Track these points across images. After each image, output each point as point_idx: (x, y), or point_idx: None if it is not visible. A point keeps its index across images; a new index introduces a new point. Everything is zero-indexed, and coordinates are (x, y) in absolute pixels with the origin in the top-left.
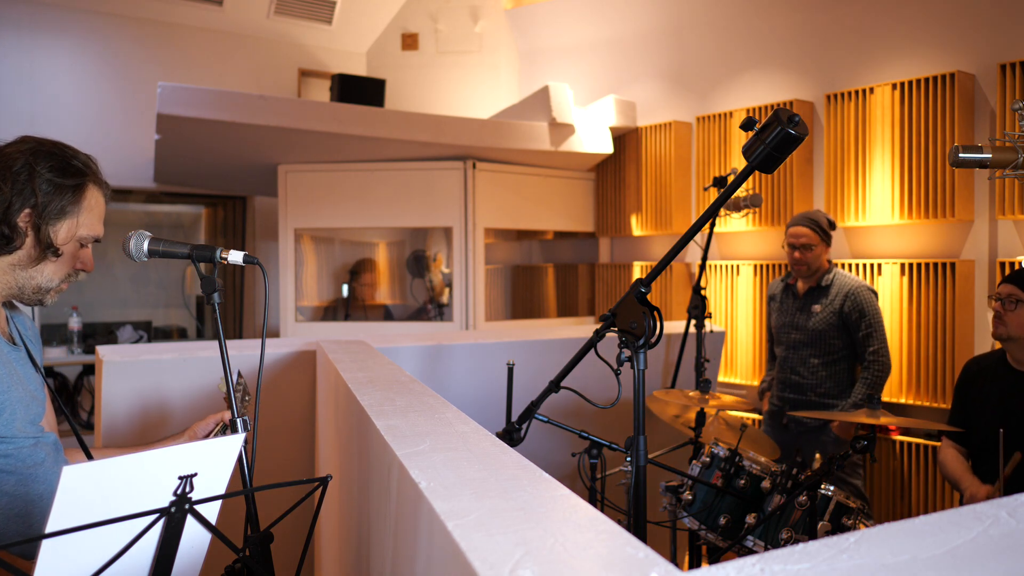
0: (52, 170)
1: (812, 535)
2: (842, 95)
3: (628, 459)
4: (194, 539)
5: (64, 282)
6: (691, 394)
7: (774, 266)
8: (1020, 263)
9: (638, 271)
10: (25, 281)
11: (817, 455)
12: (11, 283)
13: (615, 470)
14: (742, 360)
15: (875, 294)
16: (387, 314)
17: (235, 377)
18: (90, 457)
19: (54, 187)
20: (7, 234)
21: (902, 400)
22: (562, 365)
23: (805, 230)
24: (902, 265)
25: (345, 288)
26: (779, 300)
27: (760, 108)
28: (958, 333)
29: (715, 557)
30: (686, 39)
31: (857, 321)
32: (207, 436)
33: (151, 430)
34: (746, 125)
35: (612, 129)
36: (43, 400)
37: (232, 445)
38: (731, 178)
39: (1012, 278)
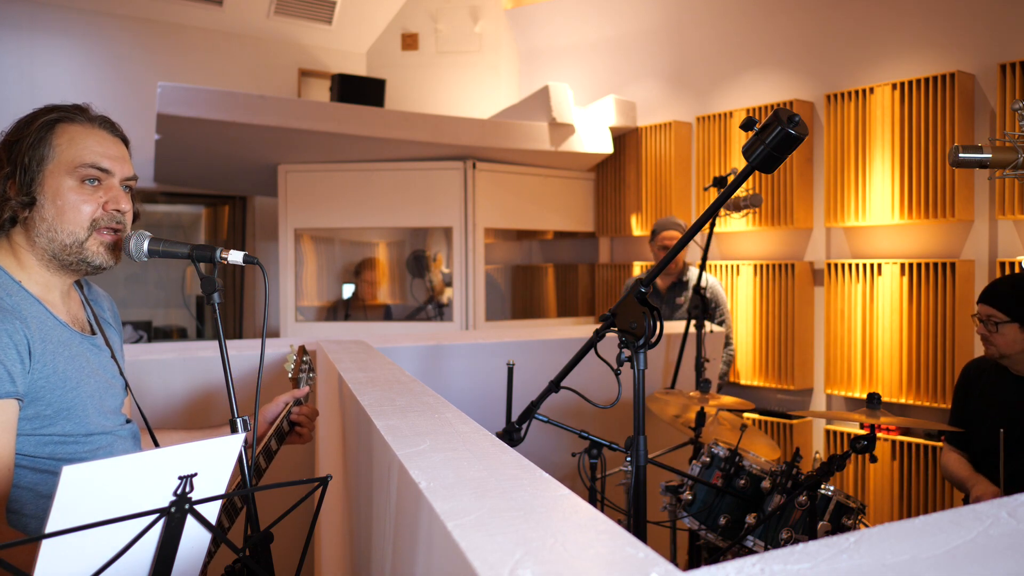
0: (14, 132)
1: (812, 535)
2: (842, 95)
3: (628, 459)
4: (194, 539)
5: (96, 230)
6: (691, 394)
7: (774, 266)
8: (1020, 263)
9: (638, 271)
10: (53, 247)
11: (817, 455)
12: (43, 256)
13: (615, 470)
14: (742, 360)
15: (723, 289)
16: (387, 314)
17: (295, 354)
18: (156, 443)
19: (18, 142)
20: None
21: (902, 400)
22: (562, 365)
23: (675, 233)
24: (902, 265)
25: (349, 288)
26: None
27: (760, 108)
28: (958, 333)
29: (715, 557)
30: (686, 39)
31: (714, 310)
32: (277, 418)
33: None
34: (746, 125)
35: (612, 129)
36: (122, 386)
37: (232, 445)
38: (731, 178)
39: (986, 297)
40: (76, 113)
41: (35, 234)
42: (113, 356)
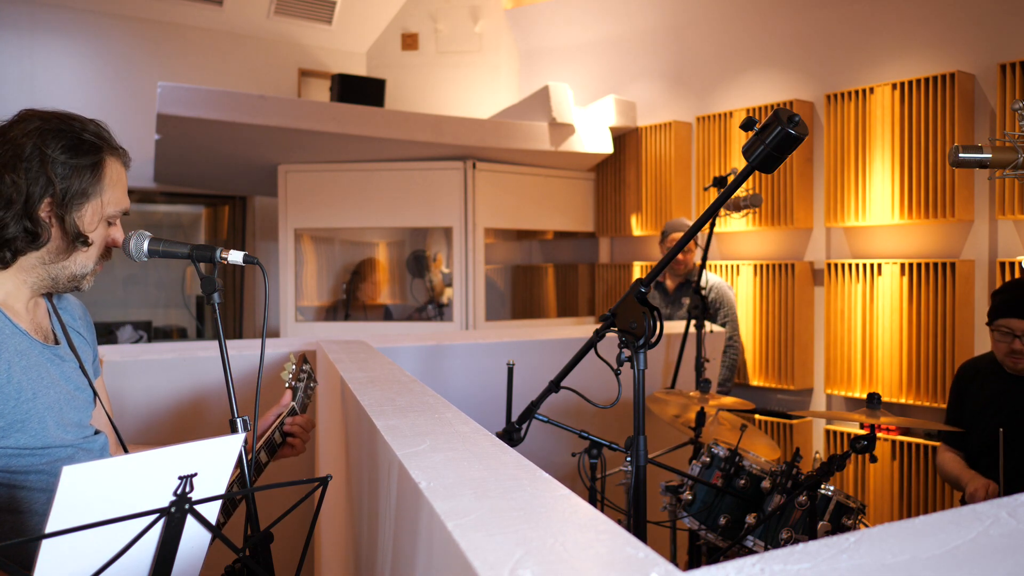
0: (65, 150)
1: (812, 535)
2: (842, 95)
3: (628, 459)
4: (194, 539)
5: (98, 264)
6: (691, 394)
7: (774, 266)
8: (1020, 263)
9: (638, 271)
10: (58, 272)
11: (817, 455)
12: (43, 276)
13: (615, 470)
14: (742, 360)
15: (732, 291)
16: (387, 314)
17: (294, 363)
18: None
19: (71, 169)
20: (31, 229)
21: (902, 400)
22: (562, 365)
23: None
24: (902, 265)
25: (347, 287)
26: (650, 296)
27: (760, 108)
28: (958, 333)
29: (715, 557)
30: (686, 39)
31: (717, 311)
32: (268, 430)
33: (151, 430)
34: (746, 125)
35: (612, 129)
36: (90, 398)
37: (232, 445)
38: (731, 178)
39: (1016, 311)
40: (112, 147)
41: (45, 260)
42: (82, 367)
